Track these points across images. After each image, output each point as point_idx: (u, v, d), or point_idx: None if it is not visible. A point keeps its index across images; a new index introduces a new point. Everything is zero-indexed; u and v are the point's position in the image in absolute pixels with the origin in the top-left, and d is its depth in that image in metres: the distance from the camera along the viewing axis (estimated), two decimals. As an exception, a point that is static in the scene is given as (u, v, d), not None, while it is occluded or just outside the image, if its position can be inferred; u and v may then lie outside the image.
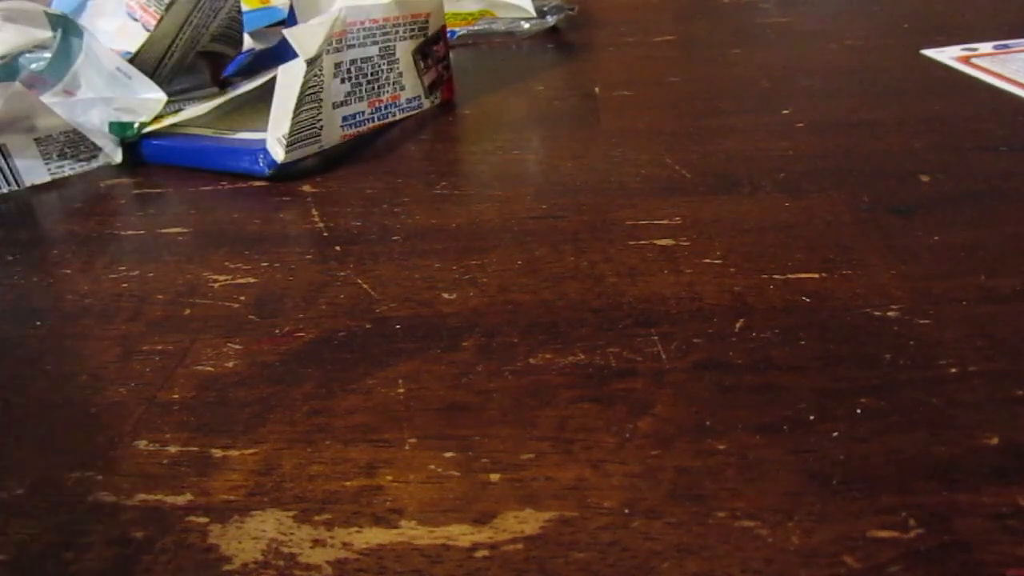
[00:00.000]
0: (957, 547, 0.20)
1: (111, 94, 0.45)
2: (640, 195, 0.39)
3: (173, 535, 0.22)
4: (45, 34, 0.45)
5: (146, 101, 0.46)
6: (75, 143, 0.43)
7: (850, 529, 0.20)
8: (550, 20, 0.72)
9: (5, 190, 0.42)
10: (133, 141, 0.47)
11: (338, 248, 0.36)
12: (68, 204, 0.43)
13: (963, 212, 0.35)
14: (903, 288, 0.30)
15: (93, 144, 0.44)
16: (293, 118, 0.43)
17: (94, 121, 0.44)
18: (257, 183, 0.45)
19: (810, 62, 0.58)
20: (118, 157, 0.45)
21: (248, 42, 0.65)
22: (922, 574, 0.19)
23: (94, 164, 0.44)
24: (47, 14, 0.44)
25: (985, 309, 0.29)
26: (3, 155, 0.41)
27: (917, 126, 0.45)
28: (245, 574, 0.20)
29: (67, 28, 0.45)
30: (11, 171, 0.42)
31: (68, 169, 0.44)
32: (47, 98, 0.45)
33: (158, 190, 0.45)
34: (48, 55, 0.46)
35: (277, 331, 0.31)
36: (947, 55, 0.57)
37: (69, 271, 0.37)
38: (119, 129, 0.45)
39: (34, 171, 0.43)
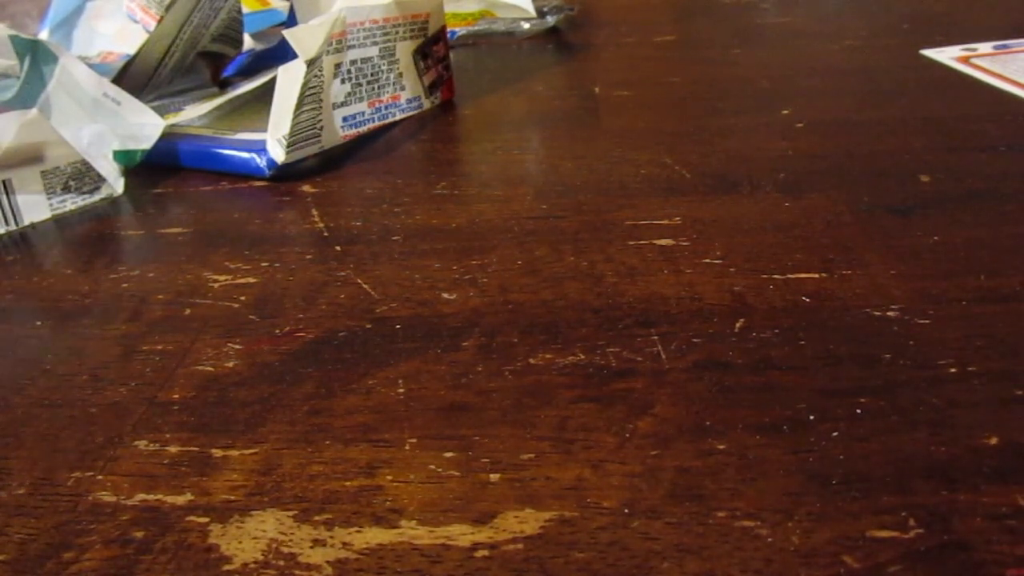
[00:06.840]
0: (957, 547, 0.20)
1: (95, 123, 0.43)
2: (640, 195, 0.39)
3: (173, 535, 0.22)
4: (9, 62, 0.43)
5: (143, 127, 0.44)
6: (81, 174, 0.41)
7: (850, 529, 0.20)
8: (550, 20, 0.72)
9: (2, 230, 0.40)
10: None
11: (338, 248, 0.36)
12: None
13: (963, 212, 0.35)
14: (903, 288, 0.30)
15: (97, 175, 0.43)
16: (293, 119, 0.43)
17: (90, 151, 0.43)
18: (257, 183, 0.45)
19: (810, 62, 0.58)
20: (120, 188, 0.44)
21: (248, 42, 0.65)
22: (922, 574, 0.19)
23: (96, 197, 0.43)
24: (13, 40, 0.42)
25: (985, 309, 0.29)
26: (6, 191, 0.39)
27: (917, 126, 0.45)
28: (245, 574, 0.21)
29: (37, 54, 0.42)
30: (11, 208, 0.40)
31: (70, 203, 0.42)
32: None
33: (158, 190, 0.45)
34: (13, 82, 0.43)
35: (277, 331, 0.31)
36: (947, 55, 0.57)
37: (69, 271, 0.37)
38: (123, 158, 0.44)
39: (35, 207, 0.41)
